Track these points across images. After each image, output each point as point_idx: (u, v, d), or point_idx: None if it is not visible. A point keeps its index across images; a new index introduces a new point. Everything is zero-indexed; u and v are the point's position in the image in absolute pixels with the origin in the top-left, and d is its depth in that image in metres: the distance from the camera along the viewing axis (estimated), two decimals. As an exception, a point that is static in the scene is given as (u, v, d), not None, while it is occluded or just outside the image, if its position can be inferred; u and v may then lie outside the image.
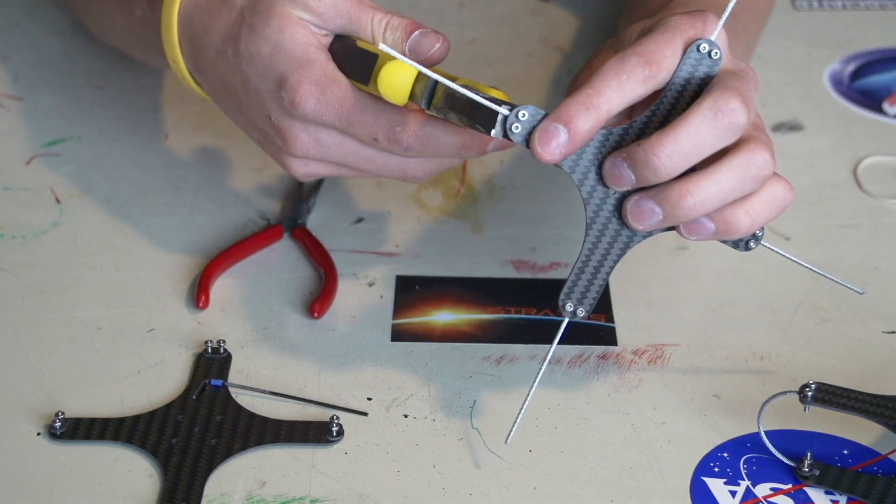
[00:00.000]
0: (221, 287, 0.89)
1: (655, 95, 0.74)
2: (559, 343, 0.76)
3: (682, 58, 0.73)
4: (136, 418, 0.79)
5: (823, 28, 1.17)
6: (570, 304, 0.76)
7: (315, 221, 0.95)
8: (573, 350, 0.85)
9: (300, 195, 0.96)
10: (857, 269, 0.91)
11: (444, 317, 0.87)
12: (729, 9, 0.74)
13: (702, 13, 0.75)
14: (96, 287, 0.89)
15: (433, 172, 0.82)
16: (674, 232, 0.94)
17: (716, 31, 0.74)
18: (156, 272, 0.90)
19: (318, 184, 0.97)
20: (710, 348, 0.85)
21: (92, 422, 0.79)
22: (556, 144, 0.72)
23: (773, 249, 0.79)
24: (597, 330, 0.86)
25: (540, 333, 0.86)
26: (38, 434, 0.79)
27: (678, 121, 0.71)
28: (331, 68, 0.78)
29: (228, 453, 0.77)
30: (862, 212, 0.96)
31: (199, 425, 0.79)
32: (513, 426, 0.77)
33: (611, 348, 0.85)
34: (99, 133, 1.03)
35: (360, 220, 0.95)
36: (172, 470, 0.76)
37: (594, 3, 1.18)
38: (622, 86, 0.72)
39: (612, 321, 0.87)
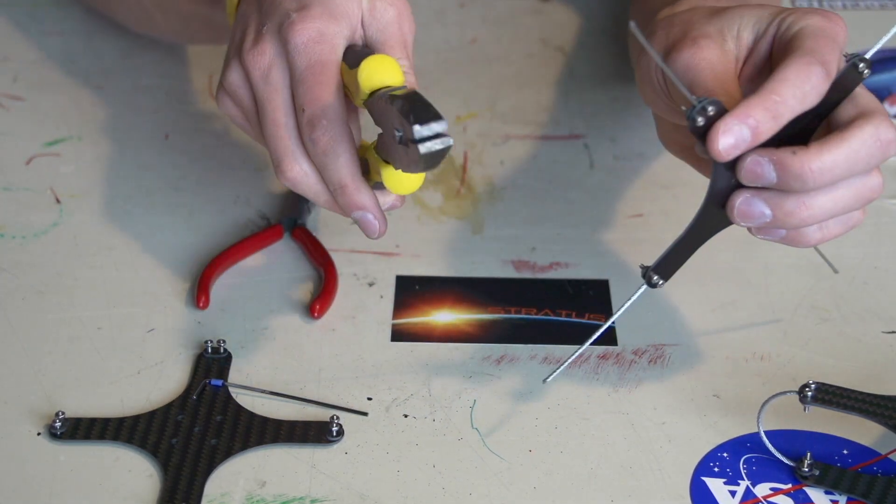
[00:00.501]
0: (221, 287, 0.89)
1: None
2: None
3: (841, 71, 0.74)
4: (136, 418, 0.79)
5: (823, 28, 1.17)
6: (656, 276, 0.77)
7: (315, 221, 0.95)
8: (573, 350, 0.84)
9: (300, 195, 0.96)
10: (857, 269, 0.91)
11: (444, 317, 0.87)
12: (891, 33, 0.75)
13: (832, 15, 0.76)
14: (96, 287, 0.89)
15: (300, 186, 0.80)
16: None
17: (873, 50, 0.75)
18: (156, 272, 0.90)
19: (318, 184, 0.97)
20: (710, 348, 0.85)
21: (92, 422, 0.79)
22: (734, 144, 0.72)
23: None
24: (596, 330, 0.86)
25: (540, 333, 0.86)
26: (38, 434, 0.79)
27: (839, 139, 0.72)
28: (340, 39, 0.79)
29: (228, 453, 0.77)
30: (862, 212, 0.96)
31: (199, 425, 0.79)
32: (558, 368, 0.79)
33: (611, 348, 0.85)
34: (99, 133, 1.03)
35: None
36: (172, 470, 0.76)
37: (594, 3, 1.18)
38: (805, 96, 0.72)
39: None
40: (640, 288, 0.78)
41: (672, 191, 0.98)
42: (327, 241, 0.92)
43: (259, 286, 0.89)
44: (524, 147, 1.03)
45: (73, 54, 1.12)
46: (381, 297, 0.89)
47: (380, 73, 0.77)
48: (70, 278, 0.90)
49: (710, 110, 0.72)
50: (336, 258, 0.90)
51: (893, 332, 0.86)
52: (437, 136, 0.73)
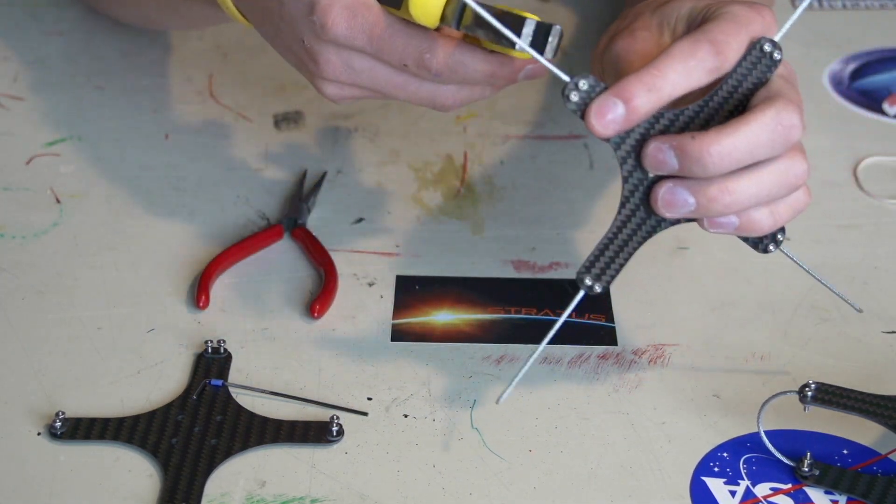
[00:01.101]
0: (221, 287, 0.89)
1: (708, 87, 0.74)
2: (567, 316, 0.76)
3: (744, 54, 0.73)
4: (136, 418, 0.79)
5: (823, 28, 1.17)
6: (588, 278, 0.76)
7: (315, 221, 0.95)
8: (573, 350, 0.85)
9: (300, 195, 0.96)
10: (857, 269, 0.91)
11: (444, 317, 0.87)
12: (797, 14, 0.74)
13: (761, 7, 0.75)
14: (96, 287, 0.89)
15: (464, 102, 0.81)
16: (674, 232, 0.94)
17: (781, 33, 0.74)
18: (156, 272, 0.90)
19: (318, 184, 0.97)
20: (710, 348, 0.85)
21: (92, 422, 0.79)
22: (611, 119, 0.72)
23: (791, 258, 0.79)
24: (597, 330, 0.86)
25: (540, 333, 0.86)
26: (38, 434, 0.79)
27: (738, 123, 0.72)
28: None
29: (228, 453, 0.77)
30: (862, 212, 0.96)
31: (199, 425, 0.79)
32: (508, 387, 0.77)
33: (611, 348, 0.85)
34: (99, 133, 1.03)
35: (360, 220, 0.95)
36: (172, 470, 0.76)
37: (594, 3, 1.18)
38: (689, 72, 0.72)
39: (612, 321, 0.87)
40: (578, 294, 0.76)
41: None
42: (327, 241, 0.92)
43: (259, 286, 0.89)
44: (524, 147, 1.03)
45: (73, 54, 1.12)
46: (381, 297, 0.89)
47: (425, 8, 0.76)
48: (70, 278, 0.90)
49: (583, 84, 0.72)
50: (336, 258, 0.90)
51: (893, 332, 0.86)
52: (536, 34, 0.72)
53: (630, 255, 0.76)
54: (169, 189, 0.98)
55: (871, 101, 1.08)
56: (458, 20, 0.76)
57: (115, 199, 0.97)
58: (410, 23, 0.78)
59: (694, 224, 0.95)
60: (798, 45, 1.15)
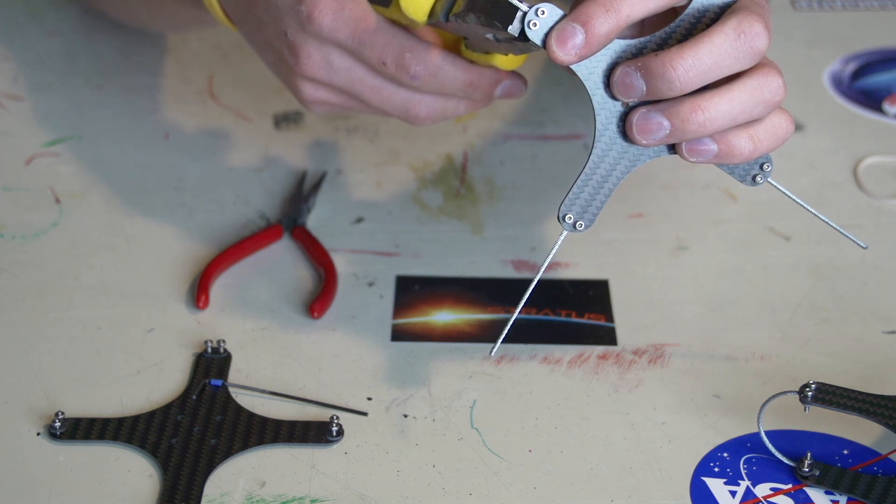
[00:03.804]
0: (221, 287, 0.89)
1: (673, 15, 0.74)
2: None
3: None
4: (136, 418, 0.79)
5: (823, 28, 1.17)
6: (570, 215, 0.75)
7: (315, 221, 0.95)
8: (573, 350, 0.85)
9: (300, 195, 0.96)
10: (857, 269, 0.91)
11: (444, 317, 0.87)
12: None
13: None
14: (96, 287, 0.89)
15: (437, 116, 0.81)
16: (674, 232, 0.94)
17: None
18: (156, 272, 0.90)
19: (318, 184, 0.97)
20: (710, 348, 0.85)
21: (92, 422, 0.79)
22: (572, 45, 0.71)
23: (779, 188, 0.78)
24: (597, 330, 0.86)
25: (540, 333, 0.86)
26: (38, 434, 0.78)
27: (700, 36, 0.71)
28: None
29: (228, 453, 0.77)
30: (862, 212, 0.96)
31: (199, 425, 0.79)
32: (499, 339, 0.77)
33: (611, 348, 0.85)
34: (99, 133, 1.03)
35: (360, 220, 0.95)
36: (172, 470, 0.76)
37: None
38: None
39: (612, 321, 0.87)
40: (561, 234, 0.76)
41: (672, 191, 0.98)
42: (327, 241, 0.92)
43: (259, 286, 0.89)
44: (524, 147, 1.03)
45: (73, 54, 1.12)
46: (381, 297, 0.89)
47: (415, 1, 0.77)
48: (70, 278, 0.90)
49: (542, 13, 0.71)
50: (336, 258, 0.90)
51: (893, 332, 0.86)
52: (532, 19, 0.71)
53: (611, 190, 0.75)
54: (169, 189, 0.98)
55: (872, 101, 1.08)
56: (448, 8, 0.76)
57: (115, 199, 0.97)
58: (396, 23, 0.78)
59: (693, 224, 0.95)
60: (798, 45, 1.15)
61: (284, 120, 1.05)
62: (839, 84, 1.10)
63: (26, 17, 1.16)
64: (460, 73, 0.79)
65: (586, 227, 0.75)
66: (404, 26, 0.79)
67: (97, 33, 1.14)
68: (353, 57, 0.79)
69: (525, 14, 0.71)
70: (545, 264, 0.76)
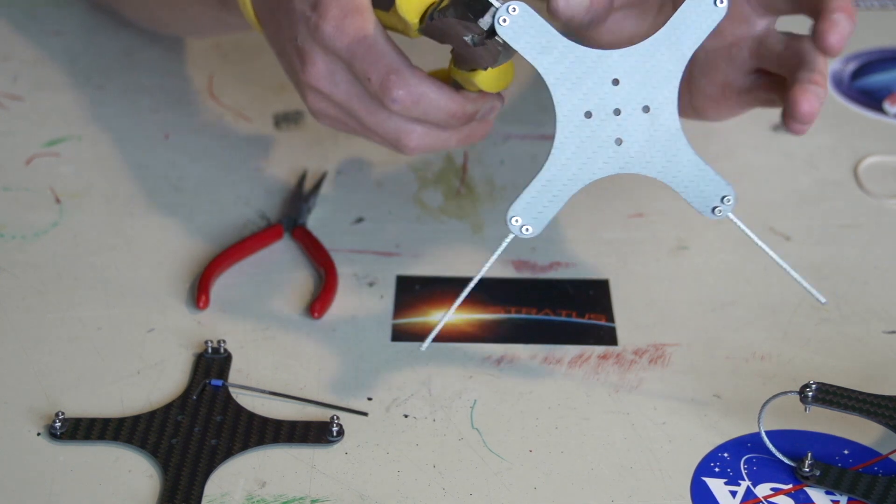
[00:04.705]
0: (221, 287, 0.89)
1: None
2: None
3: None
4: (136, 418, 0.79)
5: (823, 28, 1.17)
6: (518, 218, 0.75)
7: (315, 221, 0.95)
8: (573, 350, 0.84)
9: (300, 195, 0.96)
10: (857, 269, 0.91)
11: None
12: None
13: None
14: (96, 287, 0.89)
15: (427, 147, 0.82)
16: (674, 232, 0.94)
17: None
18: (156, 272, 0.90)
19: (318, 184, 0.97)
20: (710, 348, 0.85)
21: (92, 422, 0.79)
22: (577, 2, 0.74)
23: (739, 224, 0.77)
24: (597, 330, 0.86)
25: (540, 333, 0.86)
26: (38, 434, 0.78)
27: None
28: (361, 2, 0.79)
29: (228, 453, 0.77)
30: (862, 212, 0.96)
31: (199, 425, 0.79)
32: (434, 331, 0.77)
33: (611, 348, 0.85)
34: (99, 133, 1.03)
35: (360, 220, 0.95)
36: (172, 470, 0.76)
37: None
38: None
39: (612, 321, 0.87)
40: (508, 237, 0.76)
41: (672, 191, 0.98)
42: (327, 241, 0.92)
43: (259, 286, 0.89)
44: (524, 147, 1.03)
45: (73, 54, 1.12)
46: (381, 297, 0.89)
47: (410, 2, 0.78)
48: (70, 278, 0.90)
49: (514, 9, 0.72)
50: (336, 258, 0.90)
51: (893, 332, 0.86)
52: (503, 16, 0.72)
53: (566, 199, 0.75)
54: (169, 189, 0.98)
55: (872, 100, 1.08)
56: (434, 9, 0.76)
57: (115, 199, 0.97)
58: (392, 43, 0.78)
59: (694, 224, 0.95)
60: (798, 44, 1.15)
61: (284, 120, 1.05)
62: (839, 83, 1.10)
63: (26, 17, 1.16)
64: (444, 101, 0.79)
65: (533, 233, 0.75)
66: (397, 50, 0.79)
67: (98, 33, 1.14)
68: (350, 72, 0.80)
69: (496, 10, 0.72)
70: (487, 265, 0.76)
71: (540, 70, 0.73)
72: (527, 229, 0.75)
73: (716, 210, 0.76)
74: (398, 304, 0.88)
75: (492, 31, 0.73)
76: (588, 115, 0.74)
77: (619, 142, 0.74)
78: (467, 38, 0.75)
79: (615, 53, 0.73)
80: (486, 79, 0.79)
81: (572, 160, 0.74)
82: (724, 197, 0.76)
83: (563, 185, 0.75)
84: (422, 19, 0.78)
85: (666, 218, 0.95)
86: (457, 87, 0.81)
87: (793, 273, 0.78)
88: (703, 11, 0.74)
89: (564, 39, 0.73)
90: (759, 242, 0.77)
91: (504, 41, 0.73)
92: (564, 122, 0.74)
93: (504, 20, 0.72)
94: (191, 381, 0.82)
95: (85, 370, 0.83)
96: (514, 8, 0.72)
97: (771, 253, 0.77)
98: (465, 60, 0.79)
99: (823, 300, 0.78)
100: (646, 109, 0.74)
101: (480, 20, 0.73)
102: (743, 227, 0.77)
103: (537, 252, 0.92)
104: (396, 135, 0.81)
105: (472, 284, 0.77)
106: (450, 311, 0.77)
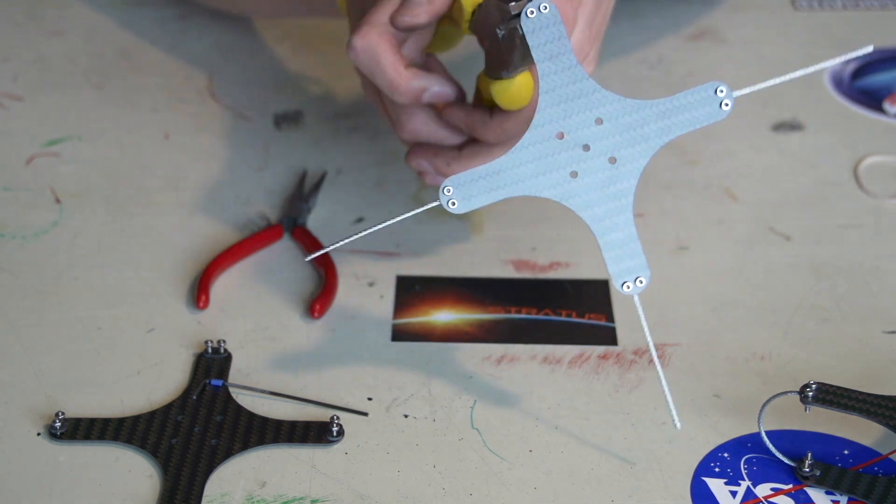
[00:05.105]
0: (221, 287, 0.89)
1: None
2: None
3: None
4: (136, 418, 0.79)
5: (823, 28, 1.17)
6: (451, 188, 0.74)
7: (315, 221, 0.95)
8: (573, 350, 0.84)
9: (300, 195, 0.96)
10: (857, 269, 0.91)
11: (444, 317, 0.87)
12: None
13: None
14: (96, 287, 0.89)
15: (418, 134, 0.87)
16: (674, 232, 0.94)
17: None
18: (156, 272, 0.90)
19: (318, 184, 0.97)
20: (710, 348, 0.85)
21: (92, 422, 0.79)
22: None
23: (639, 308, 0.76)
24: (597, 330, 0.86)
25: (540, 333, 0.86)
26: (38, 434, 0.78)
27: None
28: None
29: (228, 453, 0.77)
30: (862, 212, 0.96)
31: (199, 425, 0.79)
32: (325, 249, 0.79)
33: (611, 348, 0.85)
34: (99, 133, 1.03)
35: (360, 220, 0.95)
36: (172, 470, 0.76)
37: None
38: None
39: (612, 321, 0.87)
40: (435, 202, 0.75)
41: (672, 191, 0.98)
42: (327, 242, 0.92)
43: (259, 286, 0.89)
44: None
45: (73, 54, 1.12)
46: (381, 297, 0.89)
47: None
48: (70, 278, 0.90)
49: (545, 7, 0.74)
50: (336, 258, 0.90)
51: (894, 332, 0.86)
52: (531, 8, 0.74)
53: (506, 196, 0.75)
54: (169, 189, 0.98)
55: (872, 100, 1.08)
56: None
57: (115, 199, 0.97)
58: (448, 23, 0.84)
59: (694, 224, 0.95)
60: (798, 45, 1.15)
61: (284, 120, 1.05)
62: (839, 84, 1.10)
63: (26, 17, 1.16)
64: (390, 70, 0.82)
65: (458, 209, 0.74)
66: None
67: (97, 33, 1.14)
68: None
69: (531, 1, 0.74)
70: (399, 218, 0.75)
71: (539, 73, 0.74)
72: (453, 203, 0.75)
73: (625, 285, 0.75)
74: (398, 304, 0.88)
75: (518, 17, 0.77)
76: (560, 136, 0.74)
77: (574, 174, 0.75)
78: (499, 31, 0.79)
79: (612, 95, 0.74)
80: (501, 91, 0.81)
81: (526, 166, 0.75)
82: (638, 278, 0.76)
83: (506, 184, 0.75)
84: (474, 12, 0.82)
85: (666, 218, 0.95)
86: (481, 105, 0.85)
87: (665, 387, 0.77)
88: (706, 106, 0.74)
89: (575, 61, 0.74)
90: (651, 344, 0.76)
91: (524, 33, 0.73)
92: (536, 130, 0.75)
93: (532, 12, 0.73)
94: (191, 381, 0.82)
95: (85, 370, 0.83)
96: (546, 7, 0.73)
97: (647, 333, 0.77)
98: (493, 61, 0.81)
99: (679, 425, 0.77)
100: (612, 160, 0.74)
101: (513, 3, 0.77)
102: (642, 314, 0.76)
103: (537, 252, 0.92)
104: (397, 114, 0.85)
105: (372, 230, 0.76)
106: (344, 242, 0.76)
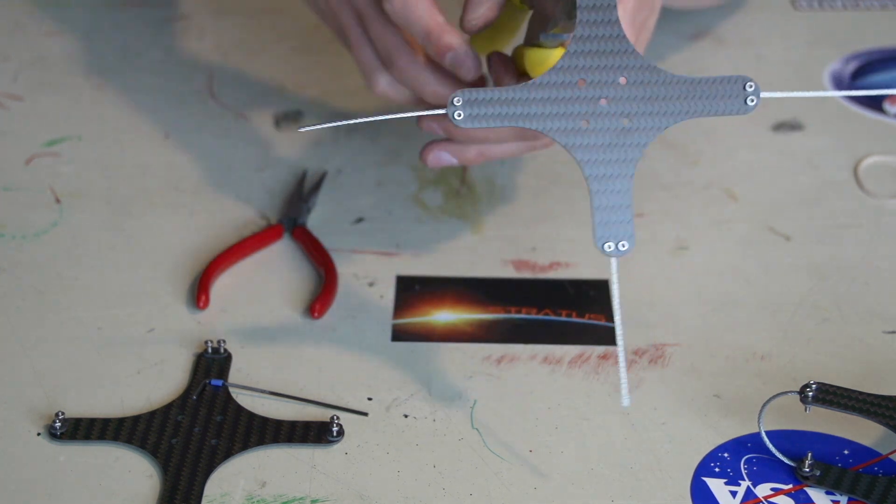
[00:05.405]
0: (221, 287, 0.89)
1: None
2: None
3: None
4: (136, 418, 0.79)
5: (823, 28, 1.17)
6: (459, 100, 0.72)
7: (315, 221, 0.95)
8: (573, 350, 0.84)
9: (300, 195, 0.96)
10: (857, 269, 0.91)
11: (444, 317, 0.87)
12: None
13: None
14: (96, 287, 0.89)
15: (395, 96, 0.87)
16: (674, 233, 0.94)
17: None
18: (156, 272, 0.90)
19: (318, 184, 0.97)
20: (710, 348, 0.85)
21: (92, 422, 0.79)
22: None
23: (613, 273, 0.76)
24: (597, 330, 0.86)
25: (540, 333, 0.86)
26: (38, 434, 0.78)
27: None
28: None
29: (228, 453, 0.77)
30: (862, 212, 0.96)
31: (199, 425, 0.79)
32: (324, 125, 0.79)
33: (611, 348, 0.85)
34: (99, 133, 1.03)
35: (360, 220, 0.95)
36: (172, 470, 0.76)
37: None
38: None
39: (613, 321, 0.87)
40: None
41: (672, 191, 0.98)
42: (327, 241, 0.92)
43: (259, 286, 0.89)
44: (524, 147, 1.02)
45: (73, 54, 1.12)
46: (381, 297, 0.89)
47: None
48: (70, 278, 0.90)
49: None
50: (336, 258, 0.90)
51: (894, 332, 0.86)
52: None
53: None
54: (169, 189, 0.98)
55: (872, 100, 1.08)
56: None
57: (115, 199, 0.97)
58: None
59: (694, 224, 0.95)
60: (798, 45, 1.15)
61: (284, 120, 1.05)
62: (840, 84, 1.10)
63: (26, 17, 1.16)
64: (427, 17, 0.82)
65: (461, 124, 0.72)
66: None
67: (97, 33, 1.14)
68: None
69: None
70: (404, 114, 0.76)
71: (578, 21, 0.72)
72: (459, 114, 0.72)
73: (606, 245, 0.74)
74: (398, 304, 0.88)
75: None
76: (581, 83, 0.73)
77: (586, 123, 0.74)
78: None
79: (644, 61, 0.73)
80: (538, 59, 0.80)
81: (541, 103, 0.73)
82: (621, 242, 0.74)
83: (517, 114, 0.73)
84: None
85: (666, 218, 0.95)
86: (512, 72, 0.84)
87: (621, 357, 0.75)
88: (732, 98, 0.73)
89: (617, 17, 0.72)
90: (616, 308, 0.76)
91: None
92: (559, 71, 0.73)
93: None
94: (191, 381, 0.82)
95: (85, 370, 0.83)
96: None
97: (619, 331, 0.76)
98: (535, 23, 0.81)
99: (626, 402, 0.75)
100: (627, 121, 0.74)
101: None
102: (616, 280, 0.75)
103: (537, 252, 0.92)
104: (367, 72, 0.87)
105: (355, 120, 0.74)
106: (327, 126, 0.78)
